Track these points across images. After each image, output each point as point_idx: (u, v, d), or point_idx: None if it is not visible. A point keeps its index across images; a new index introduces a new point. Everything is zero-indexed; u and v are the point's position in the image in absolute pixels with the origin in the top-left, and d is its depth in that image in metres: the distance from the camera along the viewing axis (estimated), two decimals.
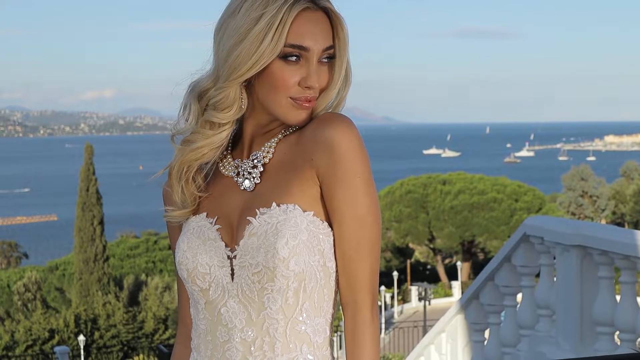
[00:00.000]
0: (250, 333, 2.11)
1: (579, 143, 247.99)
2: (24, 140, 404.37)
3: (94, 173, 41.02)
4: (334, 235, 2.14)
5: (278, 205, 2.10)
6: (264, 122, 2.21)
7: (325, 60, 2.15)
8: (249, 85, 2.18)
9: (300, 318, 2.12)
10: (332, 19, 2.16)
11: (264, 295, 2.09)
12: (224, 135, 2.21)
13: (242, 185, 2.18)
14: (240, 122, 2.26)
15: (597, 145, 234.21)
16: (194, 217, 2.22)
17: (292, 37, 2.10)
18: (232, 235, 2.16)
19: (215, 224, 2.17)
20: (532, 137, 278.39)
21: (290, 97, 2.12)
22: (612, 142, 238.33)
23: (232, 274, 2.13)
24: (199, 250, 2.15)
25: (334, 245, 2.14)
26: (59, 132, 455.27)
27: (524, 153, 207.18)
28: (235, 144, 2.27)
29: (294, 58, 2.11)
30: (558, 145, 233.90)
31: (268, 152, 2.19)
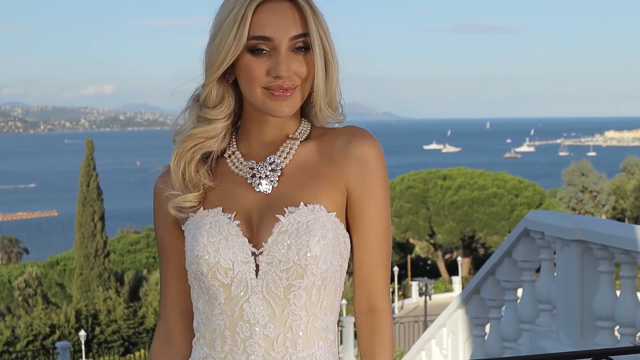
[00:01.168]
0: (273, 329, 2.14)
1: (580, 138, 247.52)
2: (24, 135, 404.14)
3: (94, 168, 41.04)
4: (352, 243, 2.23)
5: (305, 205, 2.15)
6: (259, 118, 2.24)
7: (300, 49, 2.17)
8: (236, 84, 2.24)
9: (319, 315, 2.17)
10: (300, 7, 2.17)
11: (290, 292, 2.13)
12: (218, 127, 2.25)
13: (259, 187, 2.20)
14: (243, 119, 2.29)
15: (598, 140, 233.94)
16: (206, 211, 2.22)
17: (254, 29, 2.14)
18: (252, 232, 2.17)
19: (234, 220, 2.18)
20: (532, 132, 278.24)
21: (264, 88, 2.15)
22: (612, 137, 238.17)
23: (256, 271, 2.15)
24: (221, 245, 2.15)
25: (353, 251, 2.23)
26: (59, 127, 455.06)
27: (524, 148, 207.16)
28: (241, 140, 2.29)
29: (261, 50, 2.15)
30: (558, 141, 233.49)
31: (286, 157, 2.22)
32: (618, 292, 6.34)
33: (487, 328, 8.17)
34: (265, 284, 2.14)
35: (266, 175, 2.21)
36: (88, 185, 40.75)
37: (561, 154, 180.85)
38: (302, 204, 2.15)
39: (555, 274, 6.88)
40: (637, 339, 6.11)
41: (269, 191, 2.20)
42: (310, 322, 2.16)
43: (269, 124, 2.24)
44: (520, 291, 7.56)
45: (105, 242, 40.99)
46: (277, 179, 2.20)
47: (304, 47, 2.16)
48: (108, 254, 41.21)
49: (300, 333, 2.15)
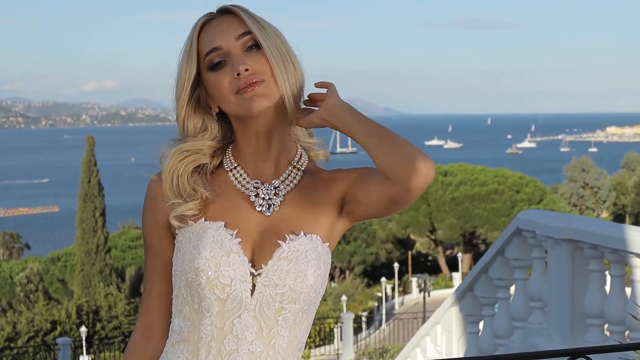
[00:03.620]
0: (258, 346, 2.24)
1: (581, 134, 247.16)
2: (26, 131, 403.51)
3: (95, 164, 41.10)
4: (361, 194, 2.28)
5: (305, 234, 2.26)
6: (247, 131, 2.32)
7: (252, 47, 2.27)
8: (222, 114, 2.35)
9: (298, 336, 2.29)
10: (237, 14, 2.30)
11: (281, 314, 2.24)
12: (206, 144, 2.34)
13: (261, 208, 2.30)
14: (236, 138, 2.37)
15: (599, 136, 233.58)
16: (208, 222, 2.29)
17: (203, 47, 2.29)
18: (251, 252, 2.27)
19: (235, 237, 2.27)
20: (533, 128, 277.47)
21: (235, 94, 2.25)
22: (613, 133, 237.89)
23: (252, 290, 2.24)
24: (222, 261, 2.22)
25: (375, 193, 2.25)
26: (60, 123, 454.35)
27: (525, 144, 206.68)
28: (235, 155, 2.37)
29: (219, 63, 2.27)
30: (560, 137, 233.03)
31: (289, 184, 2.33)
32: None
33: (481, 325, 8.25)
34: (259, 304, 2.23)
35: (269, 198, 2.30)
36: (89, 181, 40.83)
37: (562, 149, 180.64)
38: (302, 233, 2.26)
39: (547, 272, 6.97)
40: (626, 336, 6.19)
41: (269, 213, 2.30)
42: (290, 343, 2.27)
43: (259, 134, 2.31)
44: (512, 289, 7.65)
45: (106, 238, 41.08)
46: (278, 203, 2.31)
47: (255, 45, 2.27)
48: (109, 250, 41.30)
49: (281, 352, 2.26)
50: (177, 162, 2.31)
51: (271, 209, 2.30)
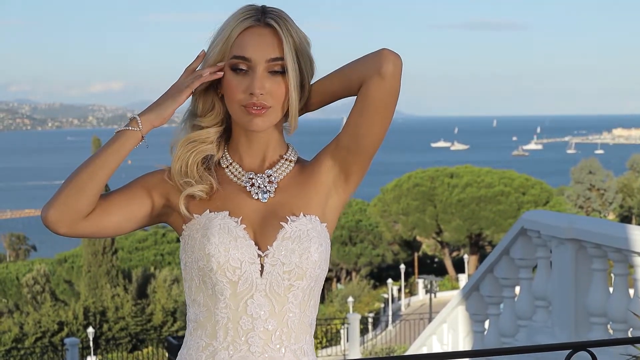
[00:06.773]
0: (272, 324, 2.39)
1: (587, 136, 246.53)
2: (32, 133, 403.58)
3: None
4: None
5: (304, 215, 2.42)
6: (247, 133, 2.48)
7: (277, 73, 2.41)
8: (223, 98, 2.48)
9: (308, 313, 2.44)
10: (279, 35, 2.41)
11: (290, 291, 2.39)
12: (212, 131, 2.49)
13: (257, 196, 2.46)
14: (233, 131, 2.53)
15: (606, 138, 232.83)
16: (213, 213, 2.43)
17: (235, 50, 2.41)
18: (255, 236, 2.42)
19: (240, 224, 2.41)
20: (539, 130, 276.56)
21: (242, 105, 2.41)
22: (620, 135, 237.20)
23: (261, 271, 2.39)
24: (230, 246, 2.38)
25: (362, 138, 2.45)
26: (67, 125, 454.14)
27: (532, 146, 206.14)
28: (231, 152, 2.53)
29: (241, 69, 2.41)
30: (566, 138, 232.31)
31: (282, 173, 2.49)
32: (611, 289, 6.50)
33: (487, 324, 8.34)
34: (269, 283, 2.38)
35: (265, 186, 2.46)
36: None
37: (569, 151, 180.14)
38: (302, 214, 2.42)
39: (551, 271, 7.04)
40: (629, 334, 6.27)
41: (266, 200, 2.45)
42: (301, 319, 2.42)
43: (255, 134, 2.48)
44: (517, 288, 7.73)
45: (112, 240, 41.11)
46: (273, 190, 2.46)
47: (281, 72, 2.40)
48: (116, 251, 41.33)
49: (294, 328, 2.40)
50: (186, 152, 2.46)
51: (267, 196, 2.45)
